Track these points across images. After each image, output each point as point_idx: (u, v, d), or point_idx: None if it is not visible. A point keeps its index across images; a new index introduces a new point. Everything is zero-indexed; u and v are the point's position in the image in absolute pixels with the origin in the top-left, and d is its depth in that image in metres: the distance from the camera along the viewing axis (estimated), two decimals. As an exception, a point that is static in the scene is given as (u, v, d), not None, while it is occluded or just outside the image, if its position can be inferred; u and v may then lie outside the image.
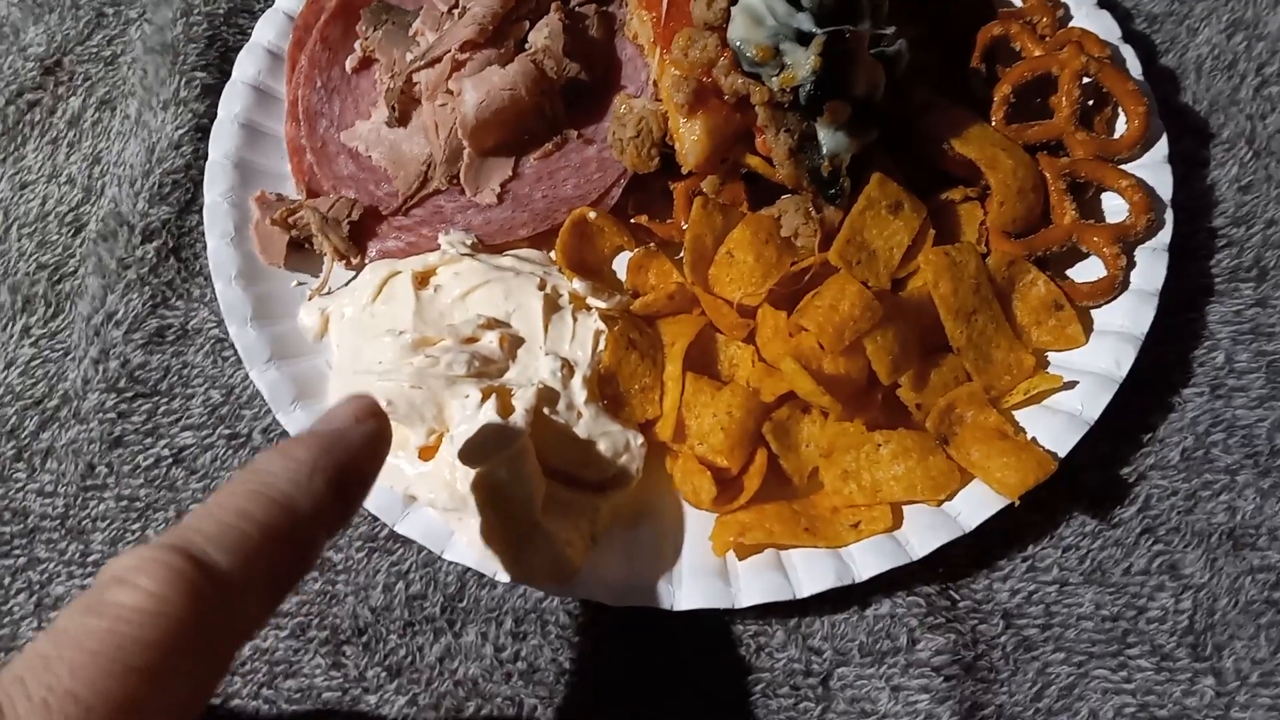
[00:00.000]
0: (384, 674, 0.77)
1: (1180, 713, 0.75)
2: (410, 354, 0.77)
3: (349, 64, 0.94)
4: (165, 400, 0.86)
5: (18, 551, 0.82)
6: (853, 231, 0.79)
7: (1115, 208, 0.84)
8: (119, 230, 0.91)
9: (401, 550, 0.80)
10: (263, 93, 0.92)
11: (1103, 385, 0.78)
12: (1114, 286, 0.81)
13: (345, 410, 0.56)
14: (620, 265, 0.87)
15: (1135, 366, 0.78)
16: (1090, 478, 0.81)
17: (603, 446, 0.77)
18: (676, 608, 0.74)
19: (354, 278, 0.86)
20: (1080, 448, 0.76)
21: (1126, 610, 0.77)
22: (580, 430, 0.77)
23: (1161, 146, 0.85)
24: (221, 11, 1.00)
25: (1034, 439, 0.77)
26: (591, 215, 0.85)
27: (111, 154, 0.95)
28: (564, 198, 0.87)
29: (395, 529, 0.76)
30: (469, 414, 0.74)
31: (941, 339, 0.79)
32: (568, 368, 0.78)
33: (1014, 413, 0.79)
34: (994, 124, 0.85)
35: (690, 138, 0.79)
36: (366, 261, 0.86)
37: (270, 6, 0.96)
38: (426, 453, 0.76)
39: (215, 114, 0.91)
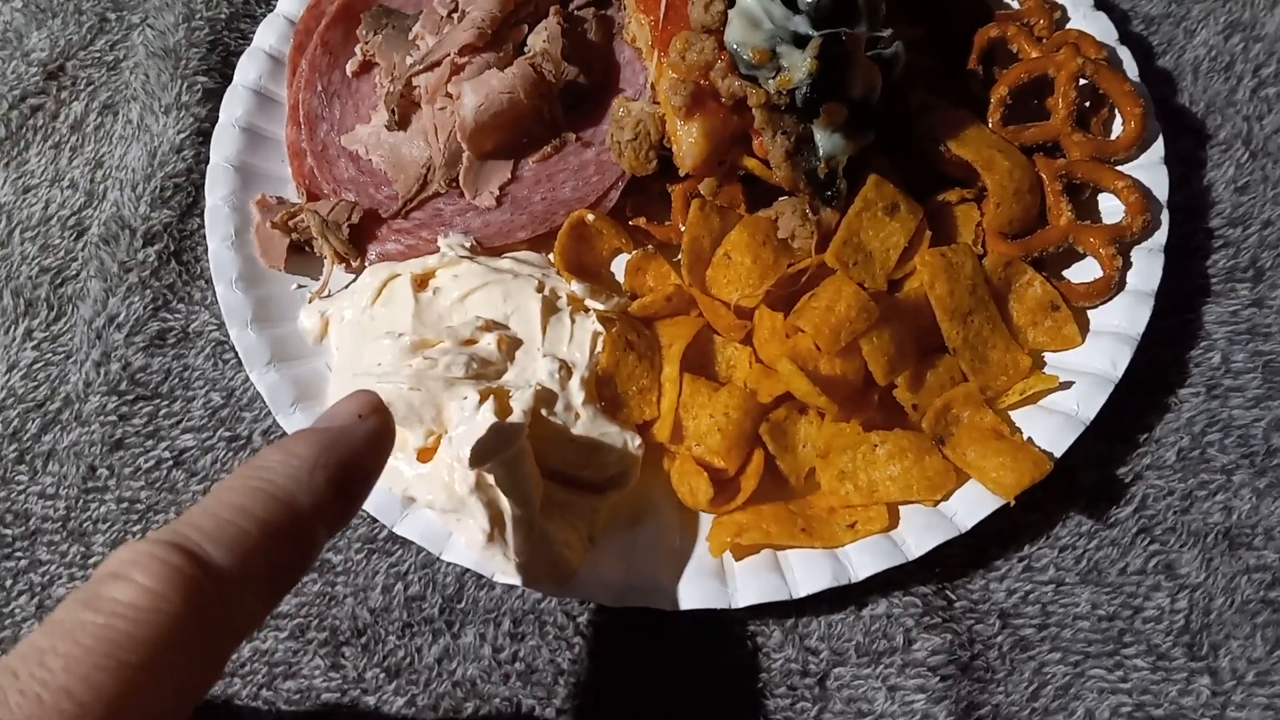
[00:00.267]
0: (383, 675, 0.78)
1: (1176, 712, 0.75)
2: (409, 356, 0.77)
3: (349, 68, 0.94)
4: (166, 403, 0.87)
5: (19, 554, 0.83)
6: (849, 233, 0.79)
7: (1112, 209, 0.84)
8: (121, 234, 0.91)
9: (400, 551, 0.81)
10: (264, 97, 0.93)
11: (1099, 385, 0.78)
12: (1110, 287, 0.81)
13: (348, 406, 0.55)
14: (618, 267, 0.87)
15: (1131, 367, 0.78)
16: (1086, 478, 0.81)
17: (601, 447, 0.77)
18: (674, 608, 0.74)
19: (354, 280, 0.86)
20: (1076, 448, 0.76)
21: (1123, 610, 0.78)
22: (578, 431, 0.77)
23: (1158, 147, 0.85)
24: (223, 16, 1.00)
25: (1030, 439, 0.77)
26: (590, 217, 0.85)
27: (113, 158, 0.96)
28: (562, 200, 0.88)
29: (394, 530, 0.76)
30: (467, 415, 0.74)
31: (938, 340, 0.79)
32: (566, 369, 0.78)
33: (1010, 413, 0.79)
34: (991, 125, 0.86)
35: (688, 140, 0.80)
36: (366, 264, 0.87)
37: (271, 11, 0.97)
38: (425, 454, 0.76)
39: (217, 118, 0.91)
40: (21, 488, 0.85)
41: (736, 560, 0.76)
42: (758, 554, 0.76)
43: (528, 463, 0.73)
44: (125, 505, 0.84)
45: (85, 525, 0.83)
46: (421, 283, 0.83)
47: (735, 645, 0.78)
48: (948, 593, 0.78)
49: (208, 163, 0.90)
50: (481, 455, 0.71)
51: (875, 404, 0.79)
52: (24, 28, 1.03)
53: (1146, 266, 0.82)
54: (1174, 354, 0.85)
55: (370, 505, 0.76)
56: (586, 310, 0.82)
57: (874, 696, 0.75)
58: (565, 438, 0.77)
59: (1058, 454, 0.76)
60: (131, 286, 0.90)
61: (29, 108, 0.99)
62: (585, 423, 0.77)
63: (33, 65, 1.01)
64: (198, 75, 0.97)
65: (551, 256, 0.85)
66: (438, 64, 0.90)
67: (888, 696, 0.75)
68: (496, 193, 0.89)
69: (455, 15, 0.92)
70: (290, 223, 0.86)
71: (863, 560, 0.75)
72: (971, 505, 0.76)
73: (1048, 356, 0.82)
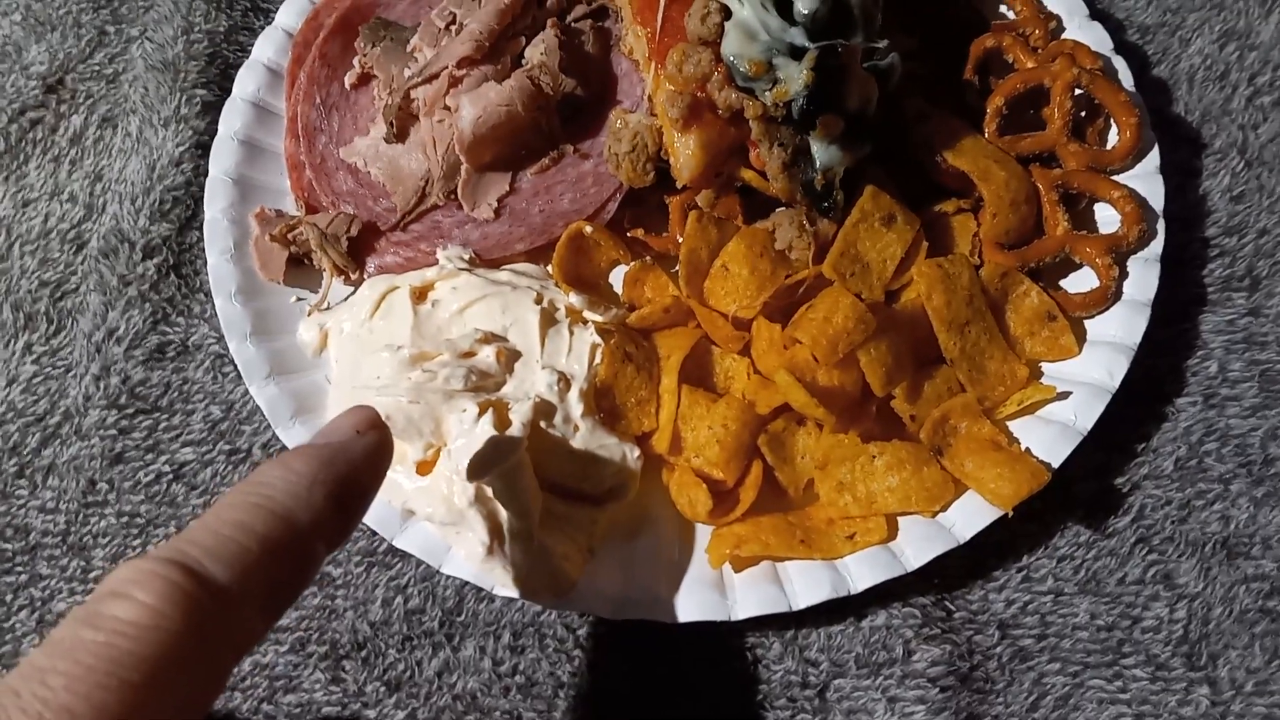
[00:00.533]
0: (383, 688, 0.78)
1: (1176, 722, 0.75)
2: (408, 369, 0.77)
3: (348, 80, 0.95)
4: (166, 416, 0.87)
5: (20, 568, 0.83)
6: (846, 244, 0.79)
7: (1108, 218, 0.84)
8: (120, 247, 0.91)
9: (400, 565, 0.81)
10: (262, 109, 0.93)
11: (1096, 395, 0.78)
12: (1107, 297, 0.81)
13: (346, 422, 0.56)
14: (616, 279, 0.88)
15: (1128, 377, 0.79)
16: (1084, 488, 0.81)
17: (599, 459, 0.77)
18: (673, 620, 0.75)
19: (352, 293, 0.86)
20: (1074, 458, 0.77)
21: (1121, 620, 0.78)
22: (577, 443, 0.77)
23: (1153, 157, 0.85)
24: (221, 29, 1.01)
25: (1028, 450, 0.77)
26: (588, 229, 0.85)
27: (113, 171, 0.96)
28: (560, 212, 0.88)
29: (393, 543, 0.77)
30: (466, 428, 0.75)
31: (935, 351, 0.79)
32: (564, 381, 0.78)
33: (1008, 423, 0.80)
34: (987, 136, 0.86)
35: (685, 152, 0.80)
36: (365, 277, 0.87)
37: (269, 24, 0.97)
38: (424, 467, 0.77)
39: (215, 131, 0.92)
40: (21, 502, 0.85)
41: (736, 572, 0.76)
42: (757, 566, 0.76)
43: (527, 475, 0.73)
44: (125, 519, 0.84)
45: (85, 540, 0.84)
46: (420, 295, 0.83)
47: (735, 657, 0.78)
48: (947, 604, 0.79)
49: (207, 176, 0.90)
50: (480, 468, 0.71)
51: (873, 415, 0.79)
52: (23, 41, 1.03)
53: (1143, 276, 0.82)
54: (1171, 363, 0.85)
55: (370, 518, 0.76)
56: (585, 322, 0.82)
57: (874, 708, 0.76)
58: (564, 450, 0.77)
59: (1055, 464, 0.76)
60: (131, 300, 0.90)
61: (28, 121, 1.00)
62: (584, 435, 0.77)
63: (32, 79, 1.01)
64: (196, 88, 0.97)
65: (550, 268, 0.85)
66: (436, 76, 0.90)
67: (887, 708, 0.75)
68: (495, 205, 0.89)
69: (453, 28, 0.92)
70: (289, 235, 0.86)
71: (862, 571, 0.75)
72: (970, 516, 0.76)
73: (1045, 367, 0.82)
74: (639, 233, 0.87)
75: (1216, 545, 0.80)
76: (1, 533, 0.84)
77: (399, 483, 0.76)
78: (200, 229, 0.90)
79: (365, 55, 0.94)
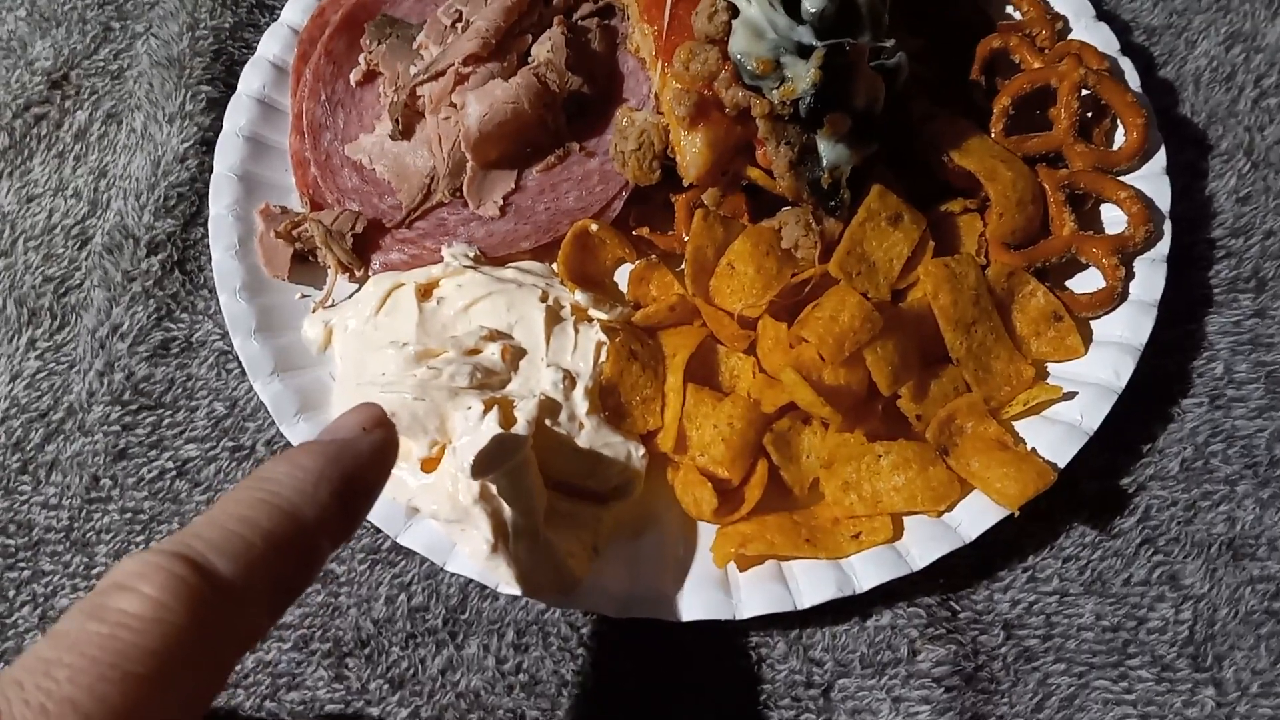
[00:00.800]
0: (386, 686, 0.78)
1: (1181, 723, 0.75)
2: (413, 366, 0.77)
3: (353, 77, 0.94)
4: (169, 413, 0.87)
5: (22, 564, 0.83)
6: (853, 243, 0.79)
7: (1114, 219, 0.84)
8: (124, 243, 0.91)
9: (404, 562, 0.81)
10: (267, 106, 0.93)
11: (1102, 396, 0.78)
12: (1113, 297, 0.81)
13: (353, 419, 0.56)
14: (622, 277, 0.88)
15: (1134, 377, 0.78)
16: (1090, 488, 0.81)
17: (604, 458, 0.77)
18: (678, 619, 0.74)
19: (357, 290, 0.86)
20: (1080, 458, 0.76)
21: (1127, 621, 0.78)
22: (582, 441, 0.77)
23: (1160, 158, 0.85)
24: (227, 26, 1.01)
25: (1034, 450, 0.77)
26: (593, 227, 0.85)
27: (117, 167, 0.96)
28: (566, 210, 0.88)
29: (398, 541, 0.76)
30: (471, 425, 0.75)
31: (941, 350, 0.79)
32: (569, 379, 0.78)
33: (1014, 423, 0.79)
34: (993, 136, 0.86)
35: (691, 150, 0.80)
36: (370, 274, 0.87)
37: (275, 20, 0.97)
38: (429, 464, 0.76)
39: (220, 127, 0.92)
40: (25, 498, 0.85)
41: (740, 571, 0.76)
42: (762, 565, 0.76)
43: (531, 473, 0.73)
44: (128, 516, 0.84)
45: (88, 535, 0.83)
46: (425, 292, 0.83)
47: (739, 656, 0.78)
48: (952, 603, 0.78)
49: (211, 172, 0.90)
50: (485, 465, 0.71)
51: (879, 414, 0.79)
52: (28, 36, 1.03)
53: (1149, 277, 0.82)
54: (1177, 364, 0.85)
55: (374, 516, 0.76)
56: (590, 320, 0.82)
57: (878, 708, 0.75)
58: (569, 448, 0.77)
59: (1061, 464, 0.76)
60: (135, 296, 0.90)
61: (33, 116, 0.99)
62: (589, 433, 0.77)
63: (37, 74, 1.01)
64: (201, 84, 0.97)
65: (555, 266, 0.85)
66: (442, 74, 0.90)
67: (892, 708, 0.75)
68: (500, 202, 0.89)
69: (459, 25, 0.92)
70: (294, 232, 0.86)
71: (867, 571, 0.75)
72: (975, 516, 0.76)
73: (1051, 367, 0.82)
74: (645, 231, 0.87)
75: (1222, 546, 0.79)
76: (4, 528, 0.84)
77: (404, 480, 0.76)
78: (205, 225, 0.89)
79: (371, 52, 0.94)
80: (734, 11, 0.75)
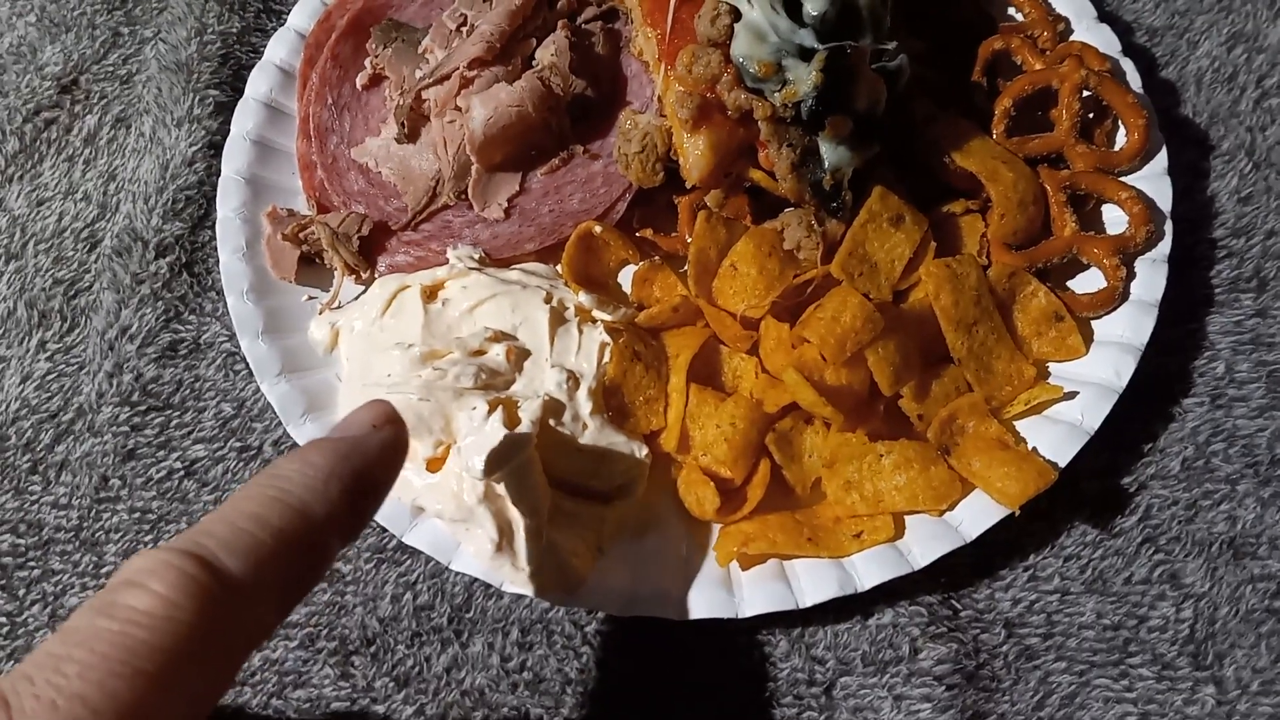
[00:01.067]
0: (392, 684, 0.78)
1: (1182, 721, 0.75)
2: (418, 367, 0.78)
3: (359, 81, 0.95)
4: (178, 413, 0.88)
5: (32, 563, 0.84)
6: (854, 244, 0.80)
7: (1115, 219, 0.85)
8: (133, 246, 0.92)
9: (409, 561, 0.81)
10: (275, 110, 0.94)
11: (1103, 395, 0.78)
12: (1114, 297, 0.81)
13: (363, 416, 0.56)
14: (625, 278, 0.88)
15: (1136, 377, 0.79)
16: (1091, 487, 0.81)
17: (608, 457, 0.78)
18: (681, 617, 0.75)
19: (364, 292, 0.87)
20: (1081, 458, 0.77)
21: (1128, 619, 0.78)
22: (586, 441, 0.77)
23: (1161, 159, 0.86)
24: (234, 30, 1.02)
25: (1035, 449, 0.77)
26: (597, 229, 0.86)
27: (126, 170, 0.97)
28: (570, 212, 0.88)
29: (403, 540, 0.77)
30: (476, 425, 0.75)
31: (943, 350, 0.79)
32: (573, 380, 0.79)
33: (1015, 423, 0.80)
34: (995, 137, 0.86)
35: (694, 152, 0.80)
36: (376, 276, 0.87)
37: (282, 25, 0.98)
38: (434, 464, 0.77)
39: (228, 131, 0.93)
40: (35, 498, 0.86)
41: (743, 570, 0.77)
42: (764, 563, 0.77)
43: (536, 472, 0.74)
44: (137, 515, 0.85)
45: (98, 535, 0.84)
46: (431, 294, 0.84)
47: (742, 654, 0.78)
48: (953, 602, 0.79)
49: (219, 175, 0.91)
50: (490, 465, 0.71)
51: (881, 414, 0.79)
52: (38, 42, 1.04)
53: (1150, 277, 0.82)
54: (1178, 364, 0.86)
55: (380, 515, 0.77)
56: (594, 321, 0.82)
57: (880, 706, 0.76)
58: (573, 447, 0.77)
59: (1062, 464, 0.76)
60: (144, 298, 0.91)
61: (43, 121, 1.00)
62: (593, 433, 0.78)
63: (46, 79, 1.02)
64: (209, 89, 0.98)
65: (559, 268, 0.86)
66: (447, 77, 0.90)
67: (894, 706, 0.75)
68: (505, 205, 0.89)
69: (464, 29, 0.93)
70: (301, 234, 0.87)
71: (869, 570, 0.75)
72: (976, 515, 0.76)
73: (1052, 367, 0.82)
74: (648, 232, 0.88)
75: (1223, 545, 0.80)
76: (15, 528, 0.85)
77: (409, 479, 0.77)
78: (213, 228, 0.90)
79: (377, 56, 0.95)
80: (736, 15, 0.76)
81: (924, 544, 0.76)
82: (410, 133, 0.92)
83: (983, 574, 0.80)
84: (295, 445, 0.83)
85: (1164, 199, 0.84)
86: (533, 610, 0.79)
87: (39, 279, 0.93)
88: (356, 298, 0.87)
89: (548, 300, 0.82)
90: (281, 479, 0.49)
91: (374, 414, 0.56)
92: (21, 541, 0.84)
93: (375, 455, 0.54)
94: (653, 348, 0.82)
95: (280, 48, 0.96)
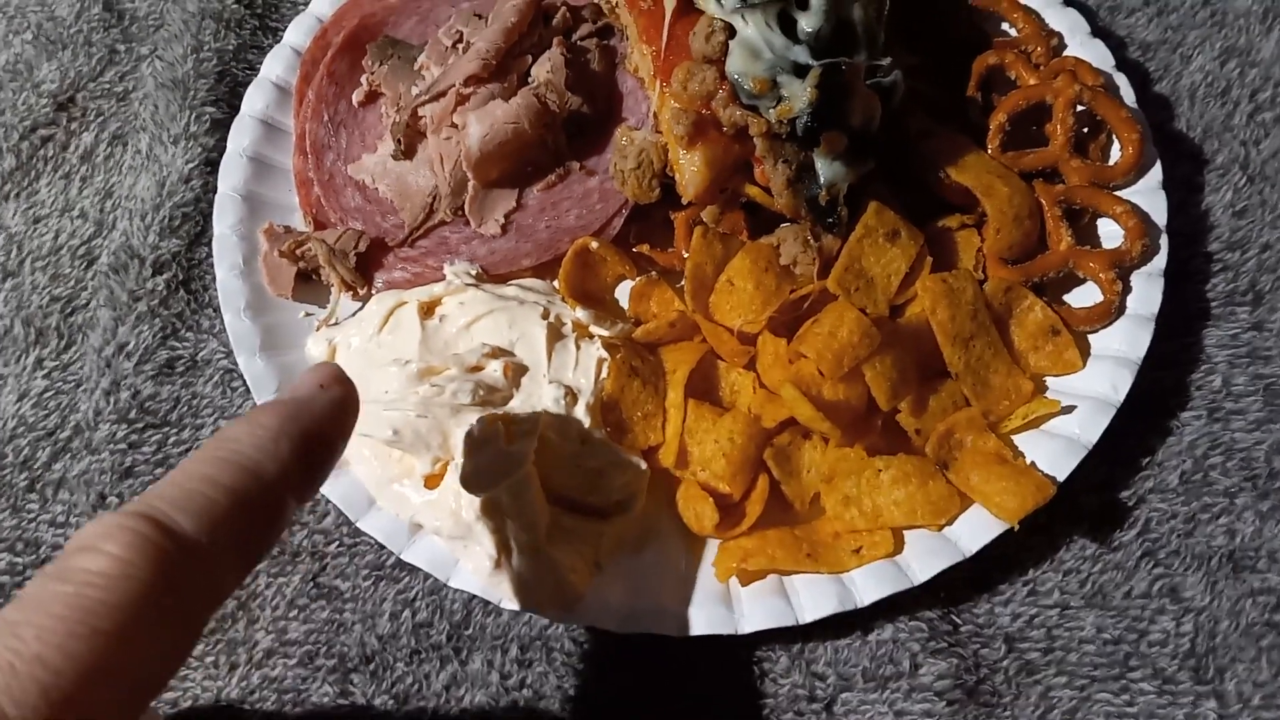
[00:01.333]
0: (391, 702, 0.78)
1: (1183, 736, 0.75)
2: (416, 383, 0.78)
3: (355, 98, 0.95)
4: (175, 431, 0.87)
5: (30, 581, 0.83)
6: (851, 259, 0.80)
7: (1111, 233, 0.85)
8: (130, 263, 0.92)
9: (408, 578, 0.81)
10: (271, 127, 0.94)
11: (1101, 409, 0.78)
12: (1110, 311, 0.81)
13: (310, 378, 0.56)
14: (622, 294, 0.88)
15: (1133, 391, 0.79)
16: (1089, 501, 0.81)
17: (606, 473, 0.77)
18: (680, 634, 0.75)
19: (361, 308, 0.87)
20: (1079, 472, 0.77)
21: (1128, 633, 0.78)
22: (583, 457, 0.77)
23: (1156, 173, 0.86)
24: (230, 48, 1.02)
25: (1033, 463, 0.77)
26: (594, 245, 0.86)
27: (123, 188, 0.97)
28: (567, 228, 0.89)
29: (401, 557, 0.77)
30: (473, 442, 0.75)
31: (940, 365, 0.80)
32: (571, 395, 0.79)
33: (1013, 437, 0.80)
34: (990, 152, 0.86)
35: (690, 169, 0.81)
36: (373, 292, 0.88)
37: (278, 42, 0.98)
38: (432, 481, 0.77)
39: (224, 148, 0.93)
40: (32, 516, 0.85)
41: (742, 585, 0.76)
42: (763, 579, 0.76)
43: (533, 488, 0.74)
44: (134, 533, 0.84)
45: (94, 553, 0.84)
46: (428, 310, 0.84)
47: (741, 671, 0.78)
48: (953, 617, 0.79)
49: (215, 192, 0.91)
50: (481, 482, 0.71)
51: (878, 429, 0.79)
52: (34, 59, 1.04)
53: (1146, 291, 0.82)
54: (1175, 378, 0.86)
55: (378, 532, 0.77)
56: (591, 336, 0.82)
57: (880, 721, 0.76)
58: (571, 463, 0.77)
59: (1060, 478, 0.76)
60: (141, 315, 0.91)
61: (39, 138, 1.01)
62: (590, 448, 0.78)
63: (43, 96, 1.02)
64: (206, 106, 0.99)
65: (556, 283, 0.86)
66: (443, 94, 0.91)
67: (894, 721, 0.75)
68: (502, 221, 0.90)
69: (460, 46, 0.93)
70: (298, 251, 0.87)
71: (868, 585, 0.75)
72: (975, 529, 0.76)
73: (1049, 381, 0.82)
74: (644, 248, 0.88)
75: (1222, 559, 0.80)
76: (12, 546, 0.84)
77: (407, 496, 0.77)
78: (209, 245, 0.90)
79: (373, 73, 0.95)
80: (731, 32, 0.76)
81: (923, 559, 0.76)
82: (407, 149, 0.92)
83: (982, 589, 0.79)
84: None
85: (1159, 213, 0.84)
86: (532, 627, 0.79)
87: (36, 296, 0.93)
88: (354, 314, 0.87)
89: (545, 316, 0.82)
90: (231, 441, 0.49)
91: (321, 375, 0.56)
92: (19, 560, 0.84)
93: (324, 413, 0.53)
94: (650, 363, 0.82)
95: (276, 65, 0.96)
